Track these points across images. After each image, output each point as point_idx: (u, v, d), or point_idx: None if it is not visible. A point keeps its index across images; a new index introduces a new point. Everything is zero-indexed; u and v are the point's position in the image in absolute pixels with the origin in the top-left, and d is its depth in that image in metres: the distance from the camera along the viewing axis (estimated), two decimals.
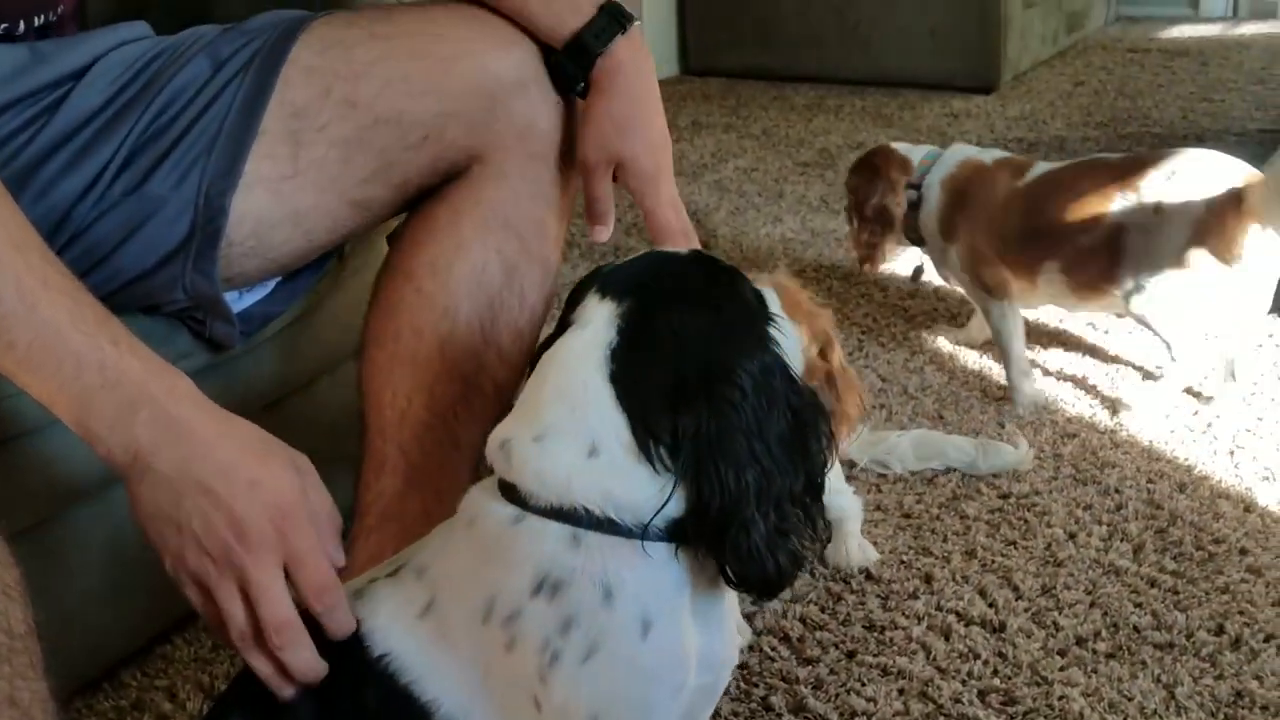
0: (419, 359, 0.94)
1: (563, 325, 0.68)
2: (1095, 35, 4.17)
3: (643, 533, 0.62)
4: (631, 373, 0.63)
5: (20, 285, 0.67)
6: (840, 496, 1.18)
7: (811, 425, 0.65)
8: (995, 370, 1.61)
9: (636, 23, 0.93)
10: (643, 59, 0.93)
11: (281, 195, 0.91)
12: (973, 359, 1.66)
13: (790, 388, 0.64)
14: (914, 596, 1.13)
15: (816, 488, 0.67)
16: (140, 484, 0.68)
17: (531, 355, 0.73)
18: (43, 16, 0.92)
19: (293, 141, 0.91)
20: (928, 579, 1.16)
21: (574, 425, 0.63)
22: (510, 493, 0.66)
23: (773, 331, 0.66)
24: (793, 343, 0.70)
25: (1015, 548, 1.21)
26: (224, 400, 0.75)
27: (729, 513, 0.61)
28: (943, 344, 1.71)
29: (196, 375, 0.73)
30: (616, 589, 0.62)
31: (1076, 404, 1.51)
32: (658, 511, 0.62)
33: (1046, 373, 1.60)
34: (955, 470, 1.35)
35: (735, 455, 0.61)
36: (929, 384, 1.59)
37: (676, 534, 0.64)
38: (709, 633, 0.67)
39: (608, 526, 0.63)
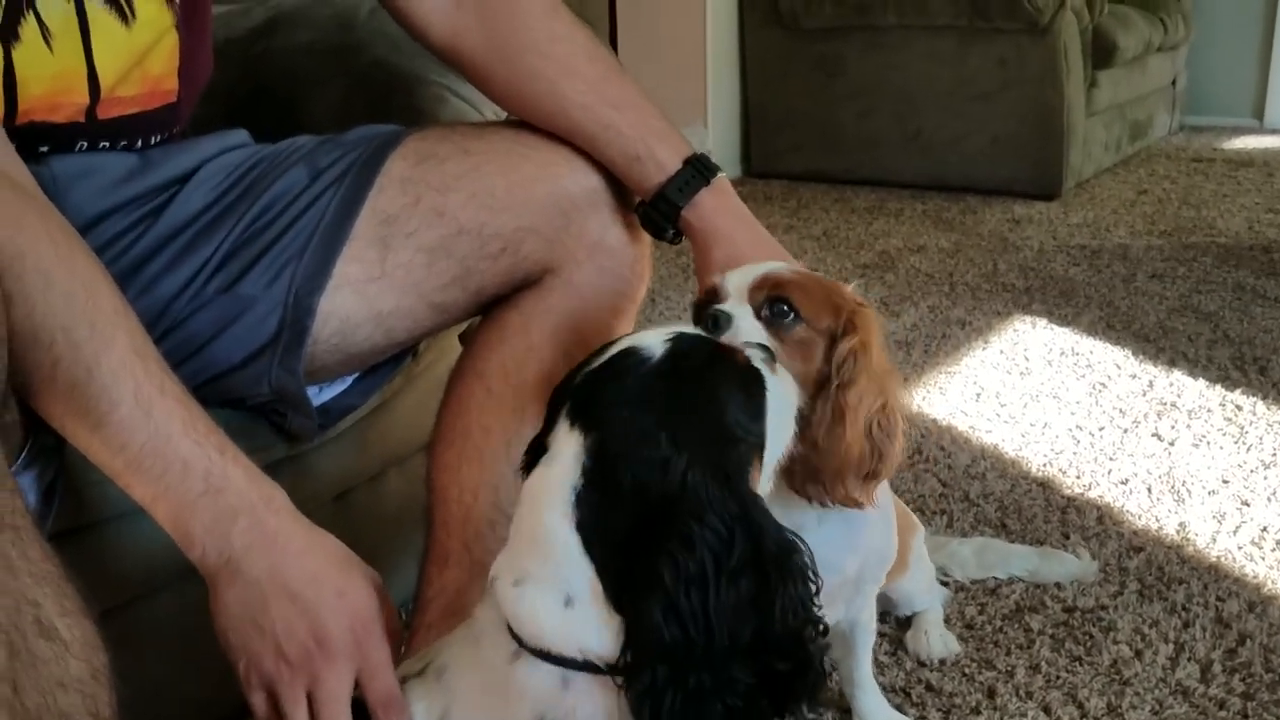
0: (486, 457, 0.97)
1: (538, 447, 0.68)
2: (1159, 144, 4.18)
3: (619, 671, 0.62)
4: (595, 520, 0.62)
5: (139, 391, 0.71)
6: (927, 592, 1.19)
7: (779, 580, 0.61)
8: (1060, 478, 1.60)
9: (722, 174, 0.98)
10: (730, 204, 0.98)
11: (367, 296, 0.95)
12: (1037, 465, 1.64)
13: (755, 542, 0.61)
14: (976, 711, 1.11)
15: (775, 644, 0.62)
16: (229, 588, 0.71)
17: None
18: (159, 136, 0.97)
19: (381, 246, 0.95)
20: (990, 693, 1.14)
21: (548, 573, 0.63)
22: (512, 630, 0.66)
23: (751, 449, 0.65)
24: (786, 414, 0.70)
25: (1080, 664, 1.18)
26: (297, 491, 0.77)
27: (645, 669, 0.60)
28: (1006, 449, 1.70)
29: (273, 467, 0.77)
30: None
31: (1142, 516, 1.49)
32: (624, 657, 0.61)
33: (1113, 483, 1.58)
34: (1019, 580, 1.33)
35: (674, 610, 0.59)
36: (991, 490, 1.57)
37: None
38: None
39: (592, 669, 0.63)
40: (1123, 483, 1.59)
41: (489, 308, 1.03)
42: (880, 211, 3.33)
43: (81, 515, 0.88)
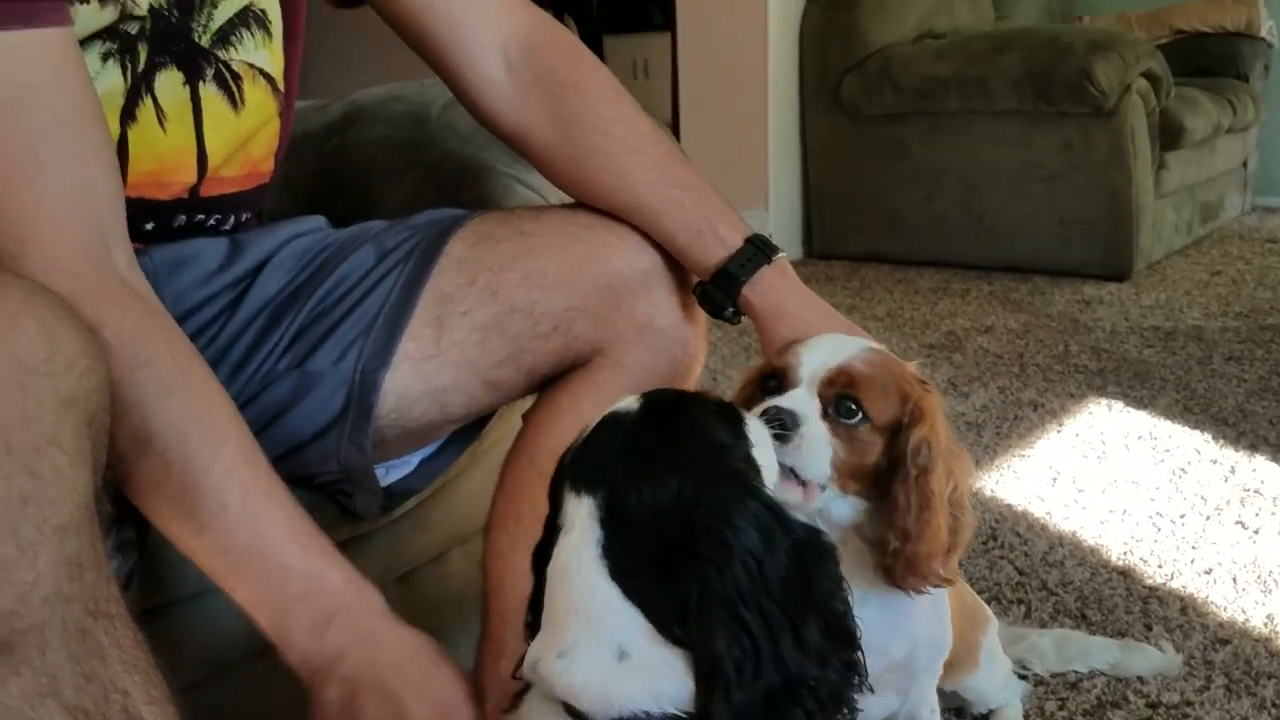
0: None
1: (551, 529, 0.68)
2: (1231, 225, 4.11)
3: (699, 716, 0.60)
4: (627, 565, 0.62)
5: (246, 496, 0.74)
6: (1002, 688, 1.16)
7: (813, 566, 0.62)
8: (1141, 566, 1.55)
9: (782, 253, 0.98)
10: (791, 282, 0.98)
11: (424, 373, 0.97)
12: (1116, 553, 1.59)
13: (781, 527, 0.62)
14: None
15: (839, 631, 0.62)
16: (325, 688, 0.73)
17: None
18: (249, 213, 1.02)
19: (438, 324, 0.97)
20: None
21: (594, 633, 0.62)
22: (572, 710, 0.64)
23: (744, 465, 0.66)
24: (768, 455, 0.70)
25: None
26: (361, 572, 0.78)
27: (708, 694, 0.59)
28: (1084, 536, 1.65)
29: (339, 547, 0.78)
30: None
31: (1228, 608, 1.43)
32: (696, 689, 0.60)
33: (1196, 572, 1.53)
34: (1100, 674, 1.28)
35: (722, 621, 0.59)
36: (1070, 579, 1.53)
37: None
38: None
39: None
40: (1206, 572, 1.53)
41: (544, 386, 1.03)
42: (945, 292, 3.31)
43: (154, 597, 0.89)
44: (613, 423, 0.68)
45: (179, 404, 0.73)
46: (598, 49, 7.00)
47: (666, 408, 0.68)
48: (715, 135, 3.85)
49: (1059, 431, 2.11)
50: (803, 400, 0.84)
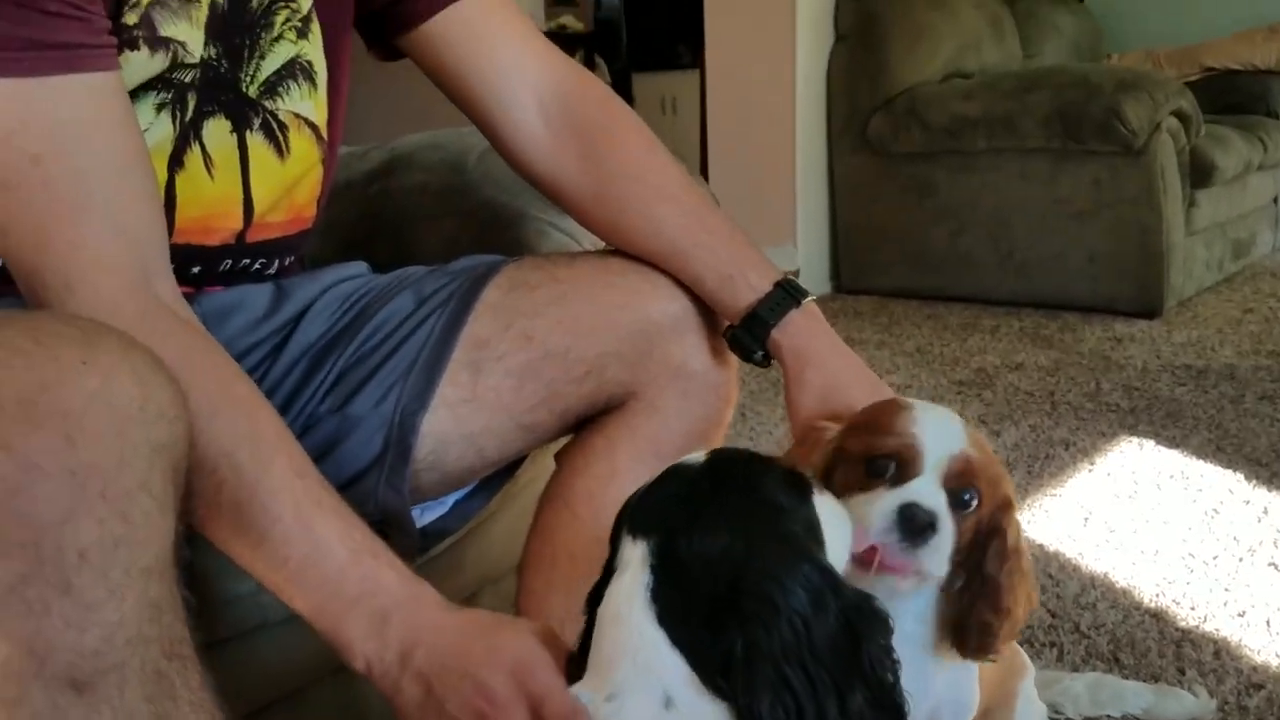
0: (572, 584, 0.98)
1: (608, 570, 0.69)
2: (1263, 262, 4.09)
3: None
4: (674, 611, 0.63)
5: (298, 507, 0.76)
6: None
7: (864, 633, 0.62)
8: (1173, 609, 1.54)
9: (811, 297, 1.00)
10: (820, 327, 1.00)
11: (460, 417, 0.99)
12: (1149, 595, 1.59)
13: (832, 591, 0.62)
14: None
15: (886, 703, 0.62)
16: (399, 690, 0.74)
17: None
18: (291, 257, 1.05)
19: (474, 369, 0.99)
20: None
21: (641, 678, 0.63)
22: None
23: (803, 530, 0.66)
24: (839, 529, 0.70)
25: None
26: None
27: None
28: (1116, 577, 1.65)
29: None
30: None
31: (1262, 651, 1.42)
32: None
33: (1230, 615, 1.52)
34: (1133, 718, 1.28)
35: (763, 682, 0.59)
36: (1103, 622, 1.52)
37: None
38: None
39: None
40: (1240, 615, 1.52)
41: (577, 429, 1.05)
42: (975, 328, 3.31)
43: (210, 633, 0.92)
44: (676, 473, 0.70)
45: (224, 423, 0.75)
46: (626, 86, 7.08)
47: (730, 465, 0.70)
48: (743, 171, 3.88)
49: (1090, 471, 2.11)
50: (935, 496, 0.81)
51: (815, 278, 3.89)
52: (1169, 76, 3.66)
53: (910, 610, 0.87)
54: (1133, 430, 2.33)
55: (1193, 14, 4.55)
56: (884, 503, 0.80)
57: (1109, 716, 1.29)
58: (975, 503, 0.83)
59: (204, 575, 0.87)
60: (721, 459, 0.70)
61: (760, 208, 3.81)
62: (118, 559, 0.58)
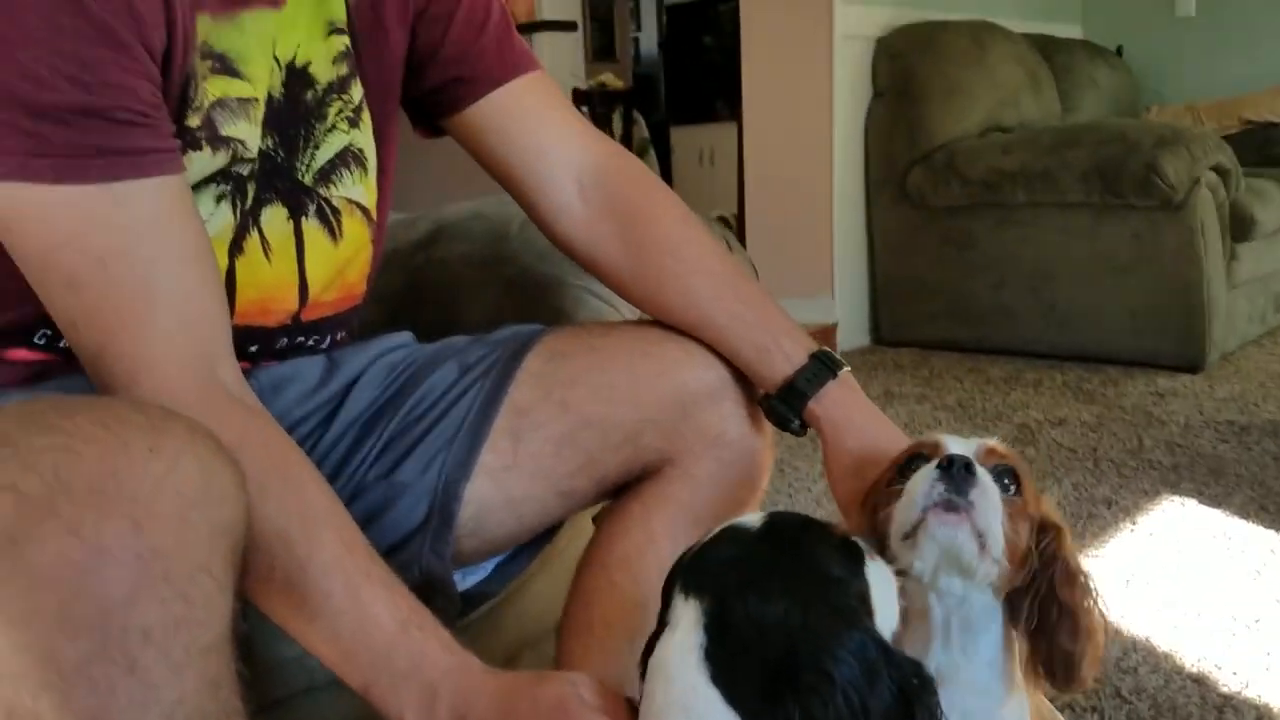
0: (609, 651, 0.99)
1: (661, 624, 0.71)
2: None
3: None
4: (729, 672, 0.64)
5: (349, 582, 0.78)
6: None
7: (915, 701, 0.64)
8: (1215, 673, 1.52)
9: (846, 369, 1.02)
10: (857, 398, 1.01)
11: (501, 483, 1.01)
12: (1191, 659, 1.57)
13: (885, 662, 0.64)
14: None
15: None
16: None
17: None
18: (343, 332, 1.08)
19: (514, 437, 1.01)
20: None
21: None
22: None
23: (856, 600, 0.67)
24: (888, 596, 0.71)
25: None
26: None
27: None
28: (1158, 641, 1.63)
29: None
30: None
31: None
32: None
33: (1273, 679, 1.50)
34: None
35: None
36: (1144, 686, 1.51)
37: None
38: None
39: None
40: None
41: (616, 494, 1.07)
42: (1017, 382, 3.30)
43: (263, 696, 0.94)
44: (732, 534, 0.71)
45: (276, 501, 0.77)
46: (665, 139, 7.15)
47: (786, 529, 0.71)
48: (781, 223, 3.90)
49: (1133, 530, 2.09)
50: (967, 451, 0.82)
51: (854, 329, 3.90)
52: (1207, 130, 3.66)
53: (982, 658, 0.86)
54: (1175, 488, 2.31)
55: (1231, 67, 4.55)
56: (922, 472, 0.81)
57: None
58: (1014, 488, 0.83)
59: (253, 640, 0.90)
60: (778, 523, 0.72)
61: (799, 259, 3.83)
62: (179, 639, 0.60)
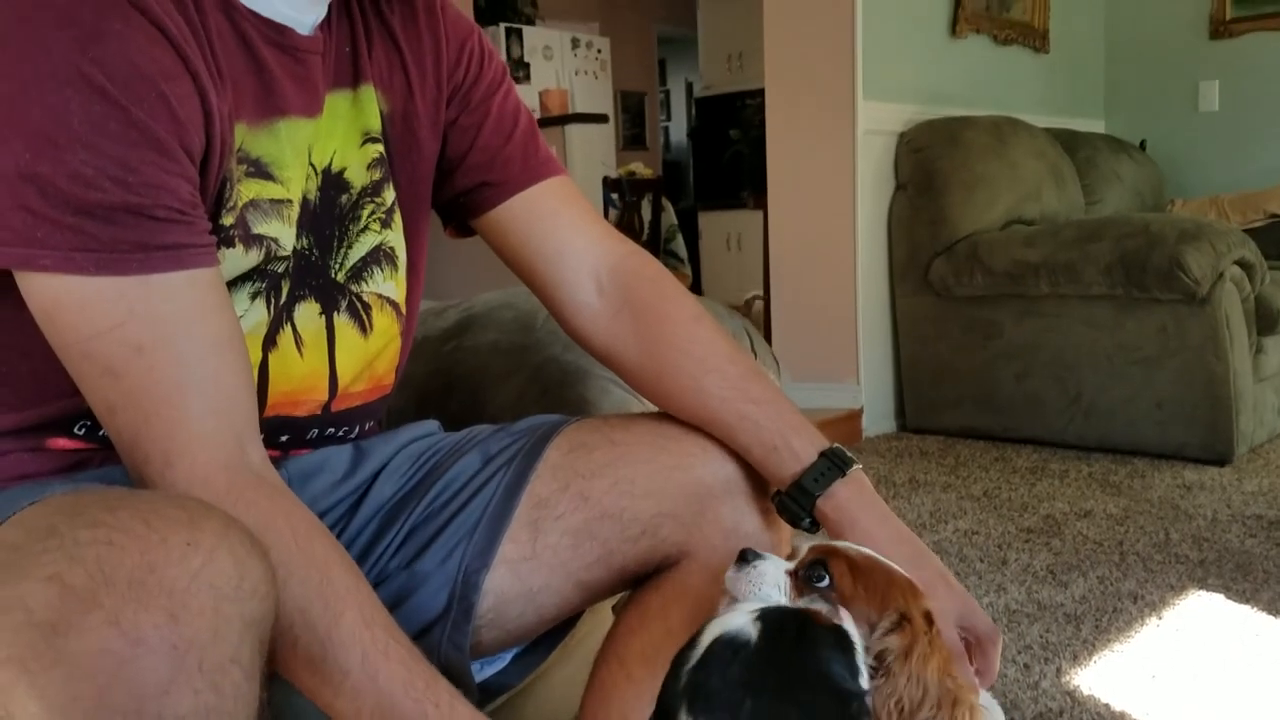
0: None
1: None
2: None
3: None
4: None
5: (366, 658, 0.80)
6: None
7: None
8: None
9: (857, 466, 1.03)
10: (865, 497, 1.02)
11: (520, 574, 1.03)
12: None
13: None
14: None
15: None
16: None
17: None
18: (371, 422, 1.11)
19: (533, 528, 1.03)
20: None
21: None
22: None
23: (861, 712, 0.69)
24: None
25: None
26: None
27: None
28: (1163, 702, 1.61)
29: None
30: None
31: None
32: None
33: None
34: None
35: None
36: None
37: None
38: None
39: None
40: None
41: (633, 584, 1.08)
42: (1043, 472, 3.28)
43: None
44: (732, 647, 0.71)
45: (299, 580, 0.79)
46: (693, 224, 7.25)
47: (785, 634, 0.71)
48: (806, 308, 3.93)
49: (1159, 626, 2.07)
50: (774, 559, 0.86)
51: (879, 415, 3.90)
52: (1231, 225, 3.68)
53: None
54: (1202, 583, 2.28)
55: (1254, 160, 4.59)
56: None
57: None
58: (828, 581, 0.84)
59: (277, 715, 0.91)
60: (774, 627, 0.72)
61: (824, 345, 3.85)
62: None
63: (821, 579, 0.84)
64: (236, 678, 0.64)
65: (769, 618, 0.73)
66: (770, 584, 0.84)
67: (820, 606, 0.82)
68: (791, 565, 0.86)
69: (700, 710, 0.69)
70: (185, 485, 0.80)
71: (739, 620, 0.73)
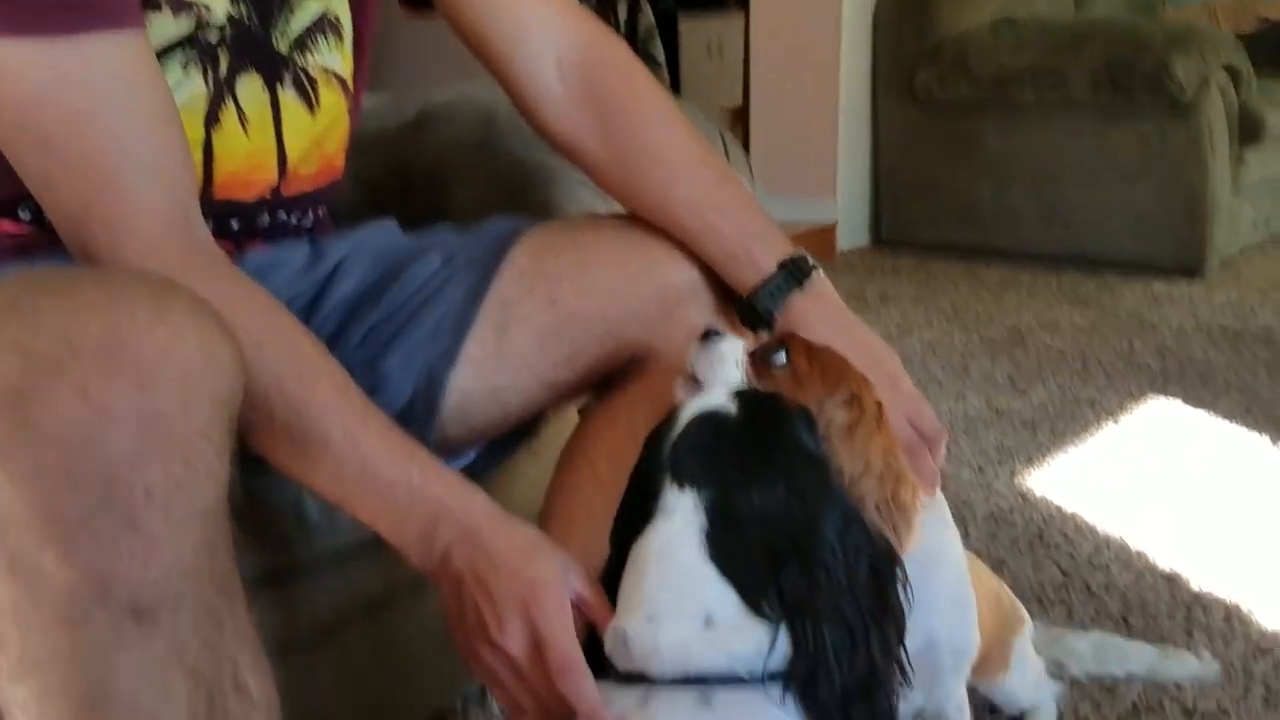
0: (589, 538, 1.00)
1: (640, 511, 0.73)
2: None
3: (762, 678, 0.67)
4: (728, 552, 0.69)
5: (345, 426, 0.80)
6: (1034, 690, 1.19)
7: (888, 574, 0.70)
8: (1188, 572, 1.56)
9: (818, 275, 1.01)
10: (825, 309, 1.01)
11: (485, 374, 1.03)
12: (1164, 558, 1.61)
13: (863, 535, 0.69)
14: None
15: (900, 631, 0.71)
16: (442, 583, 0.80)
17: None
18: (323, 208, 1.09)
19: (499, 330, 1.02)
20: None
21: (685, 604, 0.69)
22: (631, 680, 0.70)
23: (835, 475, 0.73)
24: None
25: None
26: None
27: (812, 667, 0.67)
28: (1132, 539, 1.67)
29: None
30: None
31: (1273, 618, 1.44)
32: (770, 653, 0.67)
33: (1244, 580, 1.54)
34: (1137, 679, 1.31)
35: (821, 612, 0.66)
36: (1114, 582, 1.55)
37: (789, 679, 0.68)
38: None
39: (734, 681, 0.67)
40: (1254, 581, 1.54)
41: (600, 386, 1.08)
42: (1013, 285, 3.30)
43: (280, 562, 0.99)
44: (713, 422, 0.74)
45: (270, 354, 0.78)
46: (673, 29, 6.99)
47: (762, 412, 0.74)
48: (785, 119, 3.86)
49: (1115, 431, 2.12)
50: (735, 339, 0.88)
51: (855, 229, 3.88)
52: (1222, 32, 3.58)
53: None
54: (1162, 391, 2.33)
55: None
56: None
57: (1112, 676, 1.32)
58: (786, 359, 0.87)
59: (245, 516, 0.92)
60: (750, 405, 0.75)
61: (802, 157, 3.80)
62: (179, 500, 0.62)
63: (779, 360, 0.87)
64: (207, 453, 0.64)
65: (744, 396, 0.76)
66: (730, 361, 0.86)
67: (774, 378, 0.85)
68: (752, 347, 0.88)
69: (687, 480, 0.71)
70: (138, 260, 0.78)
71: (717, 399, 0.75)
